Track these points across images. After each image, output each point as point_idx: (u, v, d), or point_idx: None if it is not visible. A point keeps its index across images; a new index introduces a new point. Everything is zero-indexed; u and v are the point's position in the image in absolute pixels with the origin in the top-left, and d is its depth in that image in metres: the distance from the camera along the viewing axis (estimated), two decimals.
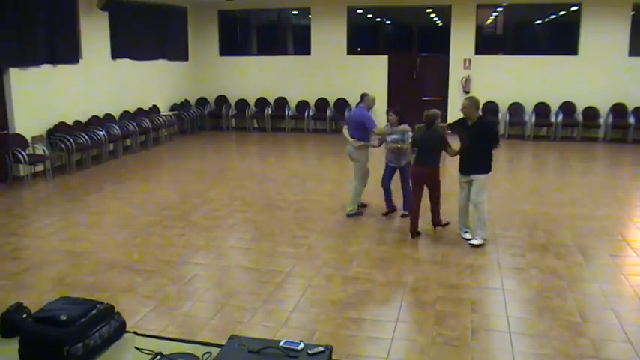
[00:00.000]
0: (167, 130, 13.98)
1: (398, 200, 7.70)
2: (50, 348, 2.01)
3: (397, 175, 7.58)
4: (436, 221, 6.92)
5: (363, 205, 7.92)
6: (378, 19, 16.14)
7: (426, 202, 6.84)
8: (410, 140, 7.08)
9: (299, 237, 6.90)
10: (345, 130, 7.75)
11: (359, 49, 15.27)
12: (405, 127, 7.32)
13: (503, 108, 14.19)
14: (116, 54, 12.45)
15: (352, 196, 7.70)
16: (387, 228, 7.22)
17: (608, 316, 4.84)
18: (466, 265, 5.99)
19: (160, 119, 13.61)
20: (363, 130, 7.46)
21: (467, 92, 14.20)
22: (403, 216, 7.52)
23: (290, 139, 14.71)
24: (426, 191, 6.81)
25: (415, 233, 6.81)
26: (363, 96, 7.68)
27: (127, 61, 12.82)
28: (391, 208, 7.70)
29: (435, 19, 15.48)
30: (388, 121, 7.53)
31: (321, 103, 15.26)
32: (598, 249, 6.54)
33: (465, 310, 4.96)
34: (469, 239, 6.62)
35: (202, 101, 16.01)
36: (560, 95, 14.02)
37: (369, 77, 14.96)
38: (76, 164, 10.82)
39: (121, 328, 2.26)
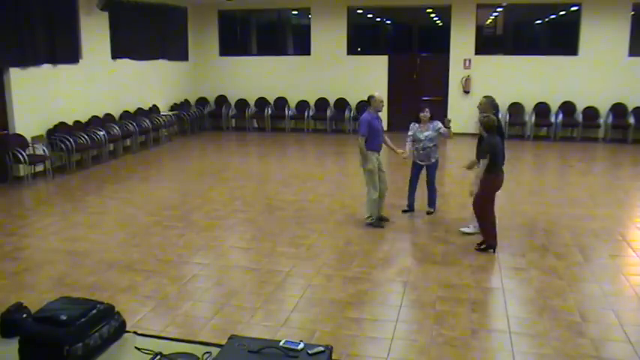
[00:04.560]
0: (167, 130, 13.98)
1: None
2: (50, 348, 2.01)
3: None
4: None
5: (385, 219, 7.44)
6: (378, 19, 16.14)
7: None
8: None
9: (299, 237, 6.90)
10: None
11: (359, 49, 15.27)
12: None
13: (503, 108, 14.14)
14: (116, 54, 12.45)
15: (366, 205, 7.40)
16: (388, 228, 7.21)
17: (608, 316, 4.84)
18: (466, 265, 5.99)
19: (160, 119, 13.61)
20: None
21: (467, 92, 14.22)
22: (429, 213, 7.64)
23: (290, 139, 14.71)
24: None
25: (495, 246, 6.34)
26: (370, 98, 7.24)
27: (127, 61, 12.82)
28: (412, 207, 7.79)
29: (435, 19, 15.48)
30: (419, 119, 7.51)
31: (321, 103, 15.25)
32: (598, 249, 6.53)
33: (465, 310, 4.96)
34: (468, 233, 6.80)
35: (202, 101, 16.01)
36: (560, 95, 14.03)
37: (369, 77, 14.96)
38: (76, 164, 10.82)
39: (120, 328, 2.26)
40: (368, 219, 7.27)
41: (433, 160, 7.56)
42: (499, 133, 6.75)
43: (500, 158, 6.32)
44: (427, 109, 7.47)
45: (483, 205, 6.33)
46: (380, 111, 7.30)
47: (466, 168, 7.14)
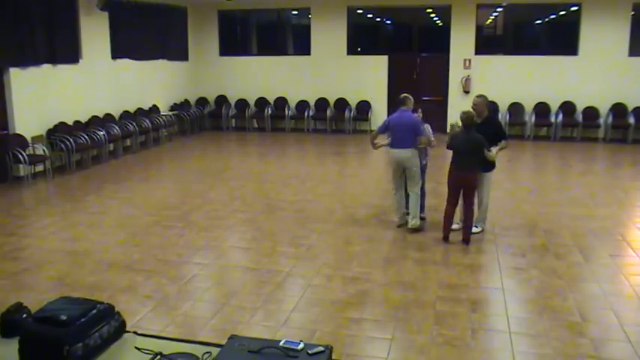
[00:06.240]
0: (167, 130, 13.98)
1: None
2: (50, 348, 2.01)
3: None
4: (468, 236, 6.57)
5: (422, 218, 7.26)
6: (378, 19, 16.14)
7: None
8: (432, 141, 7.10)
9: (299, 237, 6.90)
10: (382, 138, 7.22)
11: (359, 49, 15.27)
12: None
13: (503, 108, 14.18)
14: (116, 54, 12.45)
15: (414, 207, 7.00)
16: (388, 228, 7.21)
17: (608, 316, 4.84)
18: (466, 265, 5.99)
19: (160, 119, 13.61)
20: (415, 135, 6.89)
21: (467, 92, 14.22)
22: (422, 219, 7.25)
23: (290, 139, 14.71)
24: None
25: (447, 237, 6.59)
26: (405, 99, 7.02)
27: (127, 61, 12.82)
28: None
29: (435, 19, 15.48)
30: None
31: (321, 103, 15.26)
32: (598, 249, 6.53)
33: (465, 310, 4.96)
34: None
35: (202, 101, 16.02)
36: (560, 95, 14.03)
37: (369, 77, 14.97)
38: (76, 164, 10.83)
39: (121, 328, 2.26)
40: (414, 225, 6.98)
41: (424, 162, 7.24)
42: (499, 134, 6.79)
43: (460, 156, 6.42)
44: (420, 109, 7.22)
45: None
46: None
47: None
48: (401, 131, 6.91)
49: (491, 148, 6.52)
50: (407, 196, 7.15)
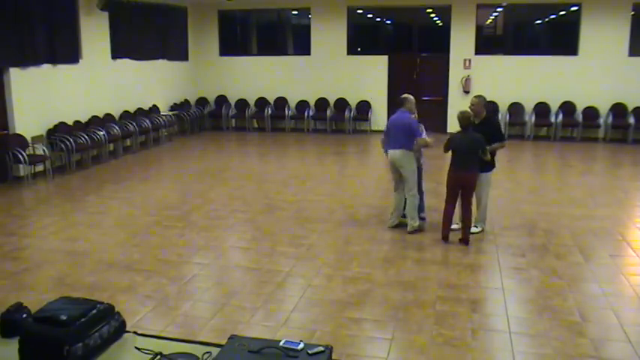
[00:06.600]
0: (167, 130, 13.99)
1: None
2: (50, 348, 2.01)
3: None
4: (466, 236, 6.57)
5: (422, 218, 7.16)
6: (378, 19, 16.14)
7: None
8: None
9: (299, 237, 6.90)
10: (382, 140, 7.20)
11: (359, 49, 15.27)
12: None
13: (503, 108, 14.18)
14: (116, 54, 12.45)
15: (410, 210, 6.97)
16: (388, 228, 7.20)
17: (608, 316, 4.84)
18: (466, 265, 5.99)
19: (160, 119, 13.61)
20: (409, 136, 6.81)
21: (467, 92, 14.22)
22: (422, 219, 7.16)
23: (290, 139, 14.71)
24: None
25: (447, 237, 6.61)
26: (404, 100, 6.98)
27: (127, 61, 12.82)
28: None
29: (435, 19, 15.48)
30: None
31: (321, 103, 15.26)
32: (598, 249, 6.53)
33: (465, 310, 4.96)
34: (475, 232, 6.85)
35: (202, 101, 16.02)
36: (560, 95, 14.03)
37: (369, 77, 14.97)
38: (76, 164, 10.83)
39: (121, 328, 2.26)
40: (413, 228, 6.95)
41: (421, 162, 7.12)
42: (497, 135, 6.77)
43: (458, 156, 6.45)
44: (415, 111, 7.12)
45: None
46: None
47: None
48: (394, 132, 6.92)
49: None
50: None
